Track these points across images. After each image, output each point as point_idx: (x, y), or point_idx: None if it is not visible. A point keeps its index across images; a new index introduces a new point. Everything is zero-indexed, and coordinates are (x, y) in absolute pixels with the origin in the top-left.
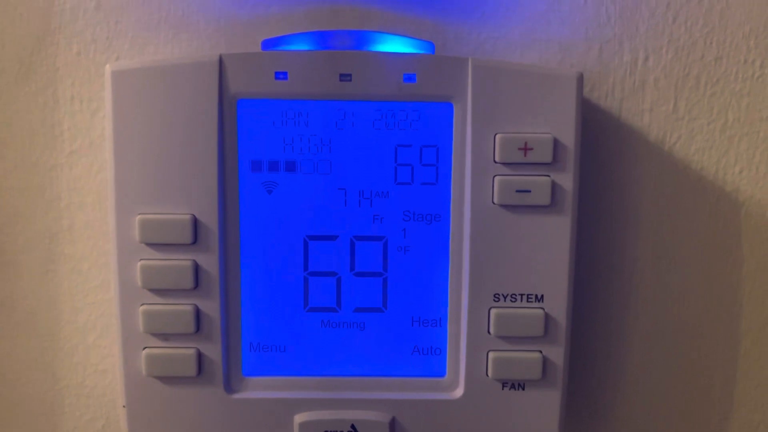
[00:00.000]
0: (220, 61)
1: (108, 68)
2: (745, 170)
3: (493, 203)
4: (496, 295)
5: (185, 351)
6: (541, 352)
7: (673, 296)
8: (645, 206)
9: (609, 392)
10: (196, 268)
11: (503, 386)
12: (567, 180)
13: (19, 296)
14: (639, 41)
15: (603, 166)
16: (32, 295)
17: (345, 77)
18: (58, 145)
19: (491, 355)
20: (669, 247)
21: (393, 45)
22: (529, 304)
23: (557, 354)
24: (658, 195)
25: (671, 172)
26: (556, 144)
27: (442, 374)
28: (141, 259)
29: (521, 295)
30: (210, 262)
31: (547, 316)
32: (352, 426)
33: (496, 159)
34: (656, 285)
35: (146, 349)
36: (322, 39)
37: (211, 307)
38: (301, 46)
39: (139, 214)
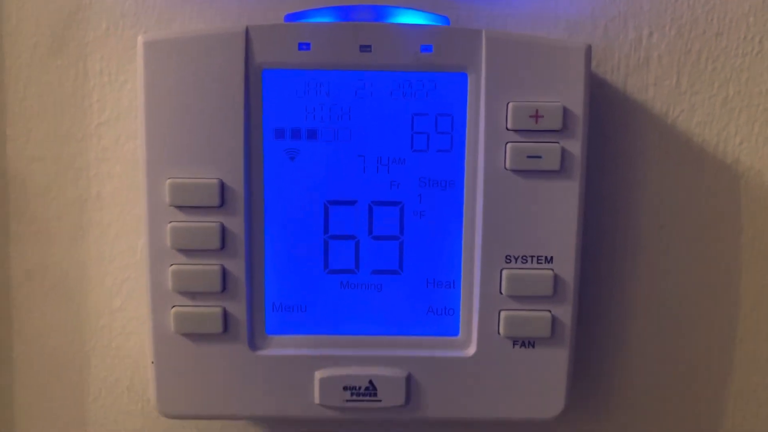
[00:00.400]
0: (247, 33)
1: (140, 39)
2: (745, 142)
3: (505, 169)
4: (508, 257)
5: (212, 309)
6: (550, 311)
7: (676, 261)
8: (649, 176)
9: (615, 351)
10: (223, 230)
11: (514, 344)
12: (576, 146)
13: (50, 261)
14: (643, 19)
15: (609, 137)
16: (62, 260)
17: (365, 48)
18: (87, 117)
19: (503, 314)
20: (671, 215)
21: (410, 18)
22: (539, 266)
23: (565, 313)
24: (661, 165)
25: (674, 143)
26: (566, 112)
27: (455, 333)
28: (171, 221)
29: (531, 256)
30: (236, 225)
31: (556, 277)
32: (370, 382)
33: (509, 126)
34: (659, 250)
35: (175, 308)
36: (343, 12)
37: (237, 268)
38: (323, 19)
39: (169, 178)
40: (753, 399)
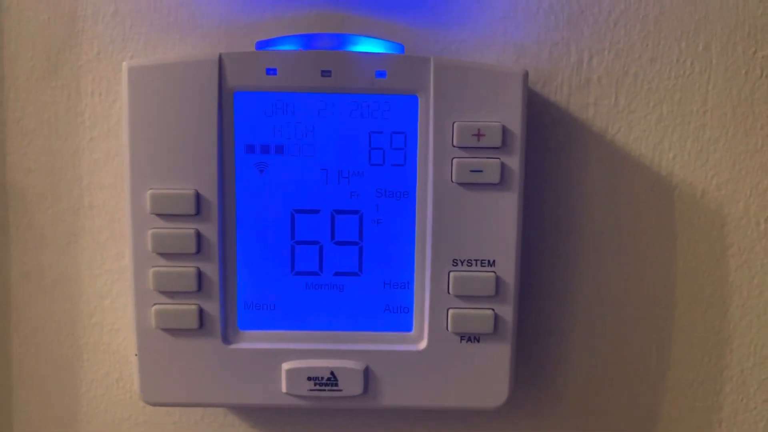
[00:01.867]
0: (220, 59)
1: (125, 65)
2: (678, 156)
3: (452, 181)
4: (455, 261)
5: (189, 307)
6: (493, 309)
7: (613, 264)
8: (589, 187)
9: (557, 345)
10: (198, 236)
11: (461, 339)
12: (514, 162)
13: (45, 264)
14: (584, 44)
15: (553, 152)
16: (57, 263)
17: (326, 73)
18: (79, 133)
19: (450, 312)
20: (610, 224)
21: (368, 46)
22: (482, 268)
23: (507, 311)
24: (601, 177)
25: (613, 158)
26: (505, 131)
27: (409, 329)
28: (151, 228)
29: (476, 260)
30: (210, 231)
31: (498, 279)
32: (332, 373)
33: (454, 144)
34: (598, 255)
35: (155, 305)
36: (307, 40)
37: (211, 270)
38: (290, 46)
39: (150, 189)
40: (689, 394)
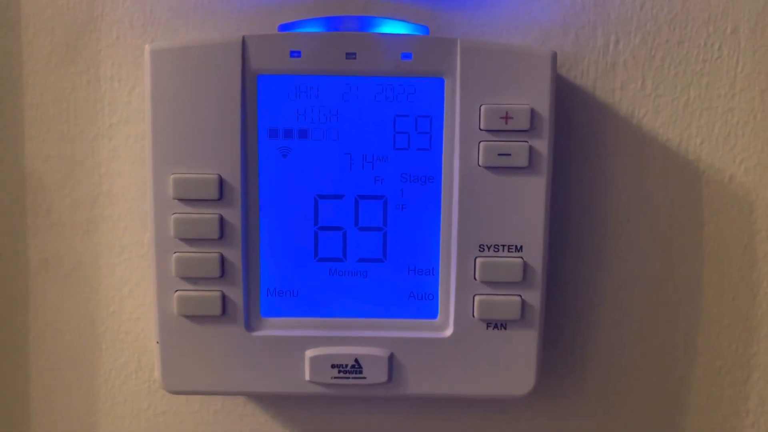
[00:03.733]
0: (243, 42)
1: (147, 48)
2: (705, 142)
3: (479, 165)
4: (481, 246)
5: (211, 293)
6: (520, 296)
7: (641, 251)
8: (616, 173)
9: (582, 333)
10: (222, 221)
11: (487, 326)
12: (542, 145)
13: (64, 253)
14: (610, 27)
15: (579, 137)
16: (76, 251)
17: (350, 56)
18: (99, 119)
19: (477, 298)
20: (637, 209)
21: (392, 28)
22: (509, 254)
23: (534, 297)
24: (627, 163)
25: (639, 143)
26: (533, 113)
27: (434, 316)
28: (174, 213)
29: (503, 245)
30: (233, 216)
31: (525, 264)
32: (356, 360)
33: (481, 127)
34: (625, 241)
35: (178, 292)
36: (331, 22)
37: (234, 256)
38: (313, 29)
39: (173, 173)
40: (716, 382)
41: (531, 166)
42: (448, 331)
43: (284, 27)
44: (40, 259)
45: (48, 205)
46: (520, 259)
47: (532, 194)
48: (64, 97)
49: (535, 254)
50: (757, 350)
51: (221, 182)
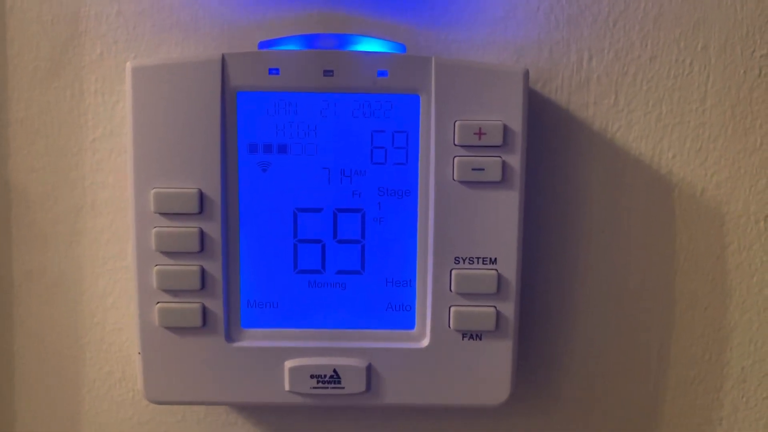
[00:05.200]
0: (223, 59)
1: (129, 65)
2: (678, 156)
3: (454, 180)
4: (457, 258)
5: (192, 305)
6: (495, 307)
7: (614, 262)
8: (590, 186)
9: (557, 344)
10: (202, 234)
11: (463, 337)
12: (515, 160)
13: (48, 264)
14: (584, 43)
15: (553, 151)
16: (59, 262)
17: (328, 73)
18: (82, 133)
19: (452, 309)
20: (610, 222)
21: (369, 45)
22: (484, 266)
23: (509, 308)
24: (601, 176)
25: (613, 156)
26: (506, 129)
27: (411, 327)
28: (155, 227)
29: (477, 258)
30: (213, 230)
31: (499, 276)
32: (335, 371)
33: (456, 142)
34: (599, 254)
35: (159, 304)
36: (309, 40)
37: (214, 268)
38: (292, 46)
39: (154, 188)
40: (690, 391)
41: (504, 180)
42: (425, 342)
43: (264, 45)
44: (24, 271)
45: (32, 217)
46: (494, 272)
47: (505, 208)
48: (49, 111)
49: (510, 266)
50: (729, 359)
51: (202, 196)
